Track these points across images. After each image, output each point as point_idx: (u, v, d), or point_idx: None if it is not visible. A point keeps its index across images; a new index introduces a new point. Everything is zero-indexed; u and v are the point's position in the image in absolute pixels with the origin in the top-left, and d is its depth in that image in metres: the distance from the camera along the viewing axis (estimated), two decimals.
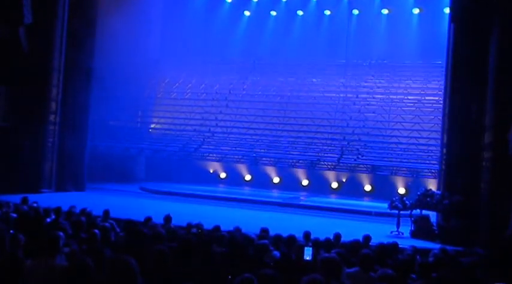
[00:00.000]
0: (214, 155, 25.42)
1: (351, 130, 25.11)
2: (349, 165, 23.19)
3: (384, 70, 27.12)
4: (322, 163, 23.63)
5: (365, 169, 23.15)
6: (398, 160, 23.01)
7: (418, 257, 8.18)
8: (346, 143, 24.39)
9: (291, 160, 24.34)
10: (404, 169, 22.59)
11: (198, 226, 9.66)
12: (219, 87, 28.34)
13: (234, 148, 25.23)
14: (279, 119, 26.72)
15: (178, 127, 27.62)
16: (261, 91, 27.89)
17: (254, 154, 24.58)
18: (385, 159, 23.25)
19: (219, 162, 26.19)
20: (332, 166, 23.58)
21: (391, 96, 25.80)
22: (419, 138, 23.93)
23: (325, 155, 23.74)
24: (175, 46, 27.64)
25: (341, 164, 23.22)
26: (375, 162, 23.05)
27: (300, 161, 24.10)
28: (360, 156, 23.26)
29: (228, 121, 27.09)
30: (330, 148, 24.36)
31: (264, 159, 24.73)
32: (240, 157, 25.08)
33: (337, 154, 23.62)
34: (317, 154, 23.81)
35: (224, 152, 25.18)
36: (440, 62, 20.48)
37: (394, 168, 22.73)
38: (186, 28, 27.80)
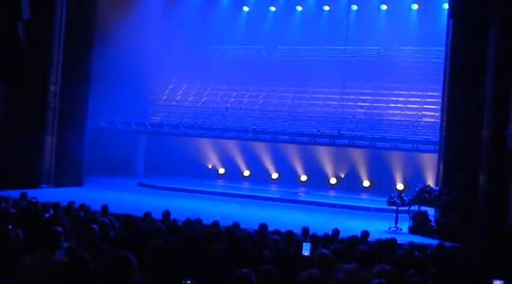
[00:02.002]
0: (215, 132, 25.33)
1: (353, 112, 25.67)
2: (350, 136, 23.28)
3: (385, 63, 27.21)
4: (322, 137, 23.69)
5: (364, 142, 23.19)
6: (400, 135, 23.15)
7: (416, 253, 8.21)
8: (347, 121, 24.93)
9: (291, 135, 24.36)
10: (404, 142, 22.65)
11: (197, 221, 9.68)
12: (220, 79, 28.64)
13: (234, 124, 25.49)
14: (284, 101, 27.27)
15: (185, 104, 27.89)
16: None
17: (254, 126, 24.62)
18: (387, 132, 23.51)
19: (218, 139, 26.04)
20: (333, 138, 23.56)
21: (393, 92, 25.99)
22: (422, 116, 24.26)
23: (325, 130, 23.86)
24: (174, 43, 27.59)
25: (341, 135, 23.26)
26: (375, 134, 23.18)
27: (301, 135, 24.16)
28: (358, 133, 23.63)
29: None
30: (330, 126, 24.57)
31: (261, 134, 24.73)
32: (241, 132, 25.04)
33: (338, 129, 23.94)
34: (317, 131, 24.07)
35: (225, 127, 25.29)
36: (440, 50, 20.45)
37: (395, 141, 22.77)
38: (185, 23, 27.78)
